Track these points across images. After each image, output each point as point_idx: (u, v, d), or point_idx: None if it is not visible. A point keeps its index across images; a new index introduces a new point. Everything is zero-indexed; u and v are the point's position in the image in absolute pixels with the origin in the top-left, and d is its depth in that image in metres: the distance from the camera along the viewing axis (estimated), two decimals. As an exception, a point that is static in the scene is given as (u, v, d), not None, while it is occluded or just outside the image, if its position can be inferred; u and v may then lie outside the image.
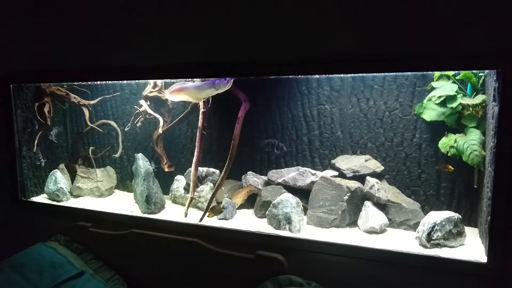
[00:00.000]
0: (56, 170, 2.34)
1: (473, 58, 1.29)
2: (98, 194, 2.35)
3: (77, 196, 2.36)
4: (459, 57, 1.30)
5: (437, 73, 1.72)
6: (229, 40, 1.56)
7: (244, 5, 1.50)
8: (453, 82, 1.69)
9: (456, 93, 1.65)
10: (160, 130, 2.18)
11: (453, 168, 1.71)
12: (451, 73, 1.68)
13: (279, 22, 1.46)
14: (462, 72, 1.64)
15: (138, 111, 2.23)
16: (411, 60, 1.36)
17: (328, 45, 1.42)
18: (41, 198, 2.32)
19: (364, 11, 1.34)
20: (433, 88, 1.72)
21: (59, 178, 2.29)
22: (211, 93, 1.84)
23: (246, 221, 1.92)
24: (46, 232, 2.03)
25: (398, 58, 1.36)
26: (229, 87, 1.78)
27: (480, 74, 1.63)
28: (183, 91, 1.90)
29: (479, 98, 1.60)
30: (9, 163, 2.19)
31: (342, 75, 1.87)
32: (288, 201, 1.78)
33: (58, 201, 2.26)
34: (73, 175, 2.43)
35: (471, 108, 1.64)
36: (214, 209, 1.93)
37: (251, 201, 2.04)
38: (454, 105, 1.65)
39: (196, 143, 1.97)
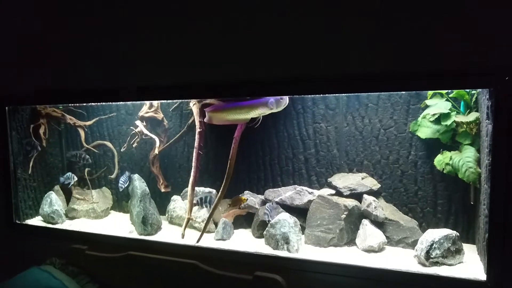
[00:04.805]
0: (51, 192, 2.33)
1: (465, 78, 1.31)
2: (94, 215, 2.33)
3: (72, 218, 2.33)
4: (452, 76, 1.32)
5: (430, 91, 1.74)
6: (226, 61, 1.58)
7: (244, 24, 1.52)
8: (447, 100, 1.71)
9: (449, 111, 1.67)
10: (156, 151, 2.18)
11: None
12: (444, 91, 1.70)
13: (273, 45, 1.49)
14: (455, 90, 1.67)
15: (134, 131, 2.23)
16: (405, 79, 1.38)
17: (322, 65, 1.45)
18: (36, 221, 2.29)
19: (359, 32, 1.37)
20: (427, 106, 1.74)
21: (54, 200, 2.27)
22: (264, 113, 1.77)
23: (243, 241, 1.91)
24: (41, 255, 2.00)
25: (392, 77, 1.38)
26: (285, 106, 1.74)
27: (473, 92, 1.66)
28: (225, 111, 1.81)
29: (472, 116, 1.62)
30: (4, 186, 2.17)
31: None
32: (285, 221, 1.77)
33: (53, 224, 2.24)
34: (68, 197, 2.41)
35: (465, 126, 1.66)
36: (235, 201, 1.92)
37: (248, 221, 2.04)
38: (448, 122, 1.67)
39: (193, 163, 1.97)
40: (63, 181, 2.33)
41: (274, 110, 1.76)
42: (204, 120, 1.90)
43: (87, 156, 2.35)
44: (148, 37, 1.68)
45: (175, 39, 1.63)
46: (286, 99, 1.74)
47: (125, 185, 2.17)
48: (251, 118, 1.82)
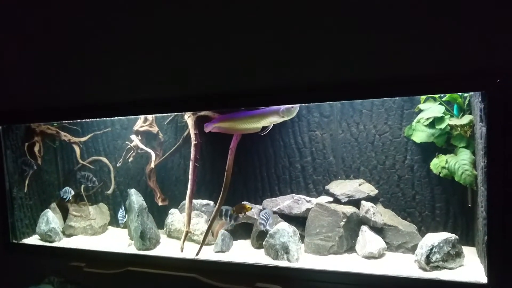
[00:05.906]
0: (48, 209, 2.30)
1: (458, 81, 1.32)
2: (92, 232, 2.31)
3: (70, 236, 2.31)
4: (444, 80, 1.32)
5: (423, 96, 1.75)
6: (221, 71, 1.59)
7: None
8: (440, 103, 1.72)
9: (443, 114, 1.68)
10: (152, 164, 2.17)
11: None
12: (437, 95, 1.71)
13: (262, 55, 1.49)
14: (448, 94, 1.68)
15: (129, 146, 2.22)
16: (398, 85, 1.38)
17: (313, 73, 1.45)
18: (33, 239, 2.26)
19: (355, 35, 1.38)
20: (420, 110, 1.74)
21: (51, 218, 2.25)
22: (276, 121, 1.75)
23: (243, 252, 1.89)
24: (39, 274, 1.98)
25: (385, 83, 1.39)
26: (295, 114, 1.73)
27: (466, 94, 1.67)
28: (235, 120, 1.79)
29: (466, 119, 1.63)
30: (0, 205, 2.15)
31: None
32: (284, 230, 1.77)
33: (50, 242, 2.22)
34: (65, 214, 2.39)
35: (459, 129, 1.67)
36: (239, 208, 1.88)
37: (247, 231, 2.02)
38: (443, 126, 1.68)
39: (189, 176, 1.96)
40: (62, 195, 2.33)
41: (285, 118, 1.75)
42: (212, 130, 1.89)
43: (94, 178, 2.35)
44: (144, 50, 1.68)
45: (168, 51, 1.64)
46: (296, 107, 1.73)
47: (125, 219, 2.20)
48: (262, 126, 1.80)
